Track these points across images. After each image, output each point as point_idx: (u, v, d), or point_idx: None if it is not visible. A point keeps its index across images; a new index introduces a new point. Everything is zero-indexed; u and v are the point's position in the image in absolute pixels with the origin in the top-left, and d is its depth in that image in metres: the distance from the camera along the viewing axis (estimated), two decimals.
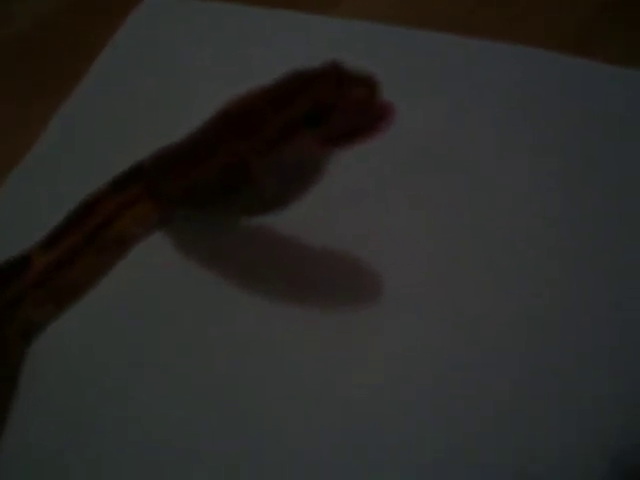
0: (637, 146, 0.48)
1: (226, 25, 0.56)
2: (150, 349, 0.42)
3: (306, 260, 0.44)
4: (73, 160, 0.49)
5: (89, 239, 0.43)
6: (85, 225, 0.43)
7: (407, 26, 0.55)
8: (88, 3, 0.58)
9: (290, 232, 0.45)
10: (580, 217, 0.45)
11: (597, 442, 0.38)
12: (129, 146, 0.48)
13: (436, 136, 0.49)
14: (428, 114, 0.49)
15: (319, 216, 0.44)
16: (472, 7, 0.57)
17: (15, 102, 0.53)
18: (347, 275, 0.44)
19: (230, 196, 0.42)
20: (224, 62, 0.54)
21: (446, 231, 0.45)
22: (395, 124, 0.36)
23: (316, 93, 0.36)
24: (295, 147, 0.38)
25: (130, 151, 0.46)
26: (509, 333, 0.41)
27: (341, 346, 0.41)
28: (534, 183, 0.47)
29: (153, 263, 0.45)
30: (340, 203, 0.45)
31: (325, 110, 0.36)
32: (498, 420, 0.39)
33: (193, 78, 0.53)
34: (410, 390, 0.40)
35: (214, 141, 0.41)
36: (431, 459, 0.38)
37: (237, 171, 0.39)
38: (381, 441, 0.38)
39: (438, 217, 0.46)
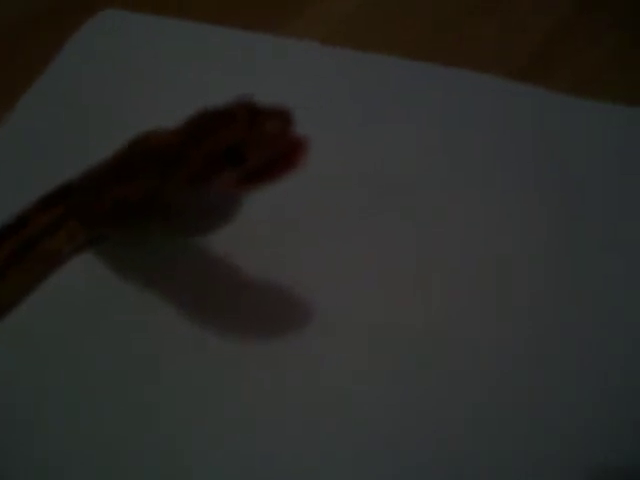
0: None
1: (179, 41, 0.56)
2: (71, 373, 0.42)
3: (234, 283, 0.44)
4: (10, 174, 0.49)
5: (15, 257, 0.43)
6: (12, 242, 0.43)
7: (364, 43, 0.55)
8: (39, 16, 0.58)
9: (219, 254, 0.44)
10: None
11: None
12: (70, 160, 0.47)
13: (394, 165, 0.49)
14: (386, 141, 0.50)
15: (248, 241, 0.44)
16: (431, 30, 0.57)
17: None
18: (275, 300, 0.43)
19: (154, 220, 0.42)
20: (175, 78, 0.54)
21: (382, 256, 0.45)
22: (312, 154, 0.36)
23: (229, 132, 0.36)
24: (214, 184, 0.37)
25: (70, 166, 0.46)
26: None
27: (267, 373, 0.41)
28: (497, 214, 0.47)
29: (79, 283, 0.44)
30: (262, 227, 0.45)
31: (240, 147, 0.36)
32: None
33: (144, 91, 0.53)
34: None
35: (133, 168, 0.41)
36: None
37: (153, 199, 0.40)
38: None
39: (371, 245, 0.46)
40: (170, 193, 0.39)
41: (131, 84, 0.53)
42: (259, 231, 0.45)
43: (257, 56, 0.55)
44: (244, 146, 0.36)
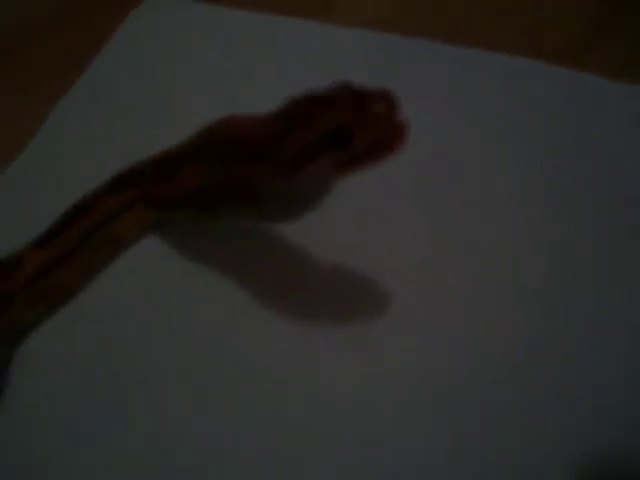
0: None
1: (225, 29, 0.56)
2: (140, 352, 0.42)
3: (306, 270, 0.44)
4: (68, 159, 0.49)
5: (83, 240, 0.43)
6: (80, 226, 0.42)
7: (403, 32, 0.55)
8: (88, 3, 0.58)
9: (292, 241, 0.44)
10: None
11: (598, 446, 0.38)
12: (125, 144, 0.49)
13: (440, 148, 0.49)
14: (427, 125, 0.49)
15: (323, 227, 0.44)
16: (471, 15, 0.57)
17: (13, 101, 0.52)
18: (348, 288, 0.43)
19: (233, 205, 0.41)
20: (221, 65, 0.54)
21: (452, 246, 0.45)
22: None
23: (335, 116, 0.35)
24: (311, 172, 0.37)
25: (126, 149, 0.47)
26: (512, 351, 0.41)
27: (341, 359, 0.41)
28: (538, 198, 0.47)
29: (146, 265, 0.44)
30: (345, 216, 0.45)
31: (345, 133, 0.35)
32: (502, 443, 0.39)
33: (190, 80, 0.53)
34: (410, 408, 0.39)
35: (216, 153, 0.40)
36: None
37: (244, 188, 0.39)
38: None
39: (444, 230, 0.46)
40: (262, 180, 0.38)
41: (179, 71, 0.54)
42: (334, 217, 0.44)
43: (305, 42, 0.55)
44: (352, 128, 0.35)
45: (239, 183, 0.39)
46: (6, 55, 0.55)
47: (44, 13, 0.57)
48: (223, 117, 0.41)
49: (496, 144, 0.50)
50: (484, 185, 0.48)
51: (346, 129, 0.35)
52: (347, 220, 0.45)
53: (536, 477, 0.38)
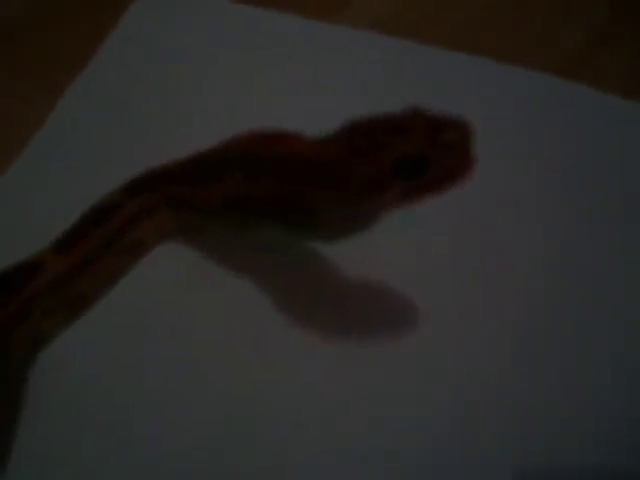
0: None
1: (228, 24, 0.55)
2: (160, 361, 0.41)
3: (339, 286, 0.43)
4: (73, 156, 0.48)
5: (105, 246, 0.41)
6: (102, 231, 0.41)
7: (412, 34, 0.55)
8: None
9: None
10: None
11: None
12: (129, 142, 0.48)
13: None
14: None
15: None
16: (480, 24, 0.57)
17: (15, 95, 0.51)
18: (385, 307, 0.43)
19: (275, 219, 0.40)
20: (228, 61, 0.53)
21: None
22: None
23: (408, 144, 0.34)
24: (381, 199, 0.36)
25: (129, 148, 0.47)
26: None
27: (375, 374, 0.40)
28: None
29: (166, 273, 0.43)
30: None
31: (418, 161, 0.34)
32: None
33: (196, 74, 0.52)
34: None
35: (275, 169, 0.38)
36: None
37: (294, 206, 0.38)
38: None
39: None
40: (321, 204, 0.37)
41: (182, 66, 0.52)
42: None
43: (309, 41, 0.54)
44: (427, 157, 0.34)
45: (290, 200, 0.38)
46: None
47: (44, 4, 0.55)
48: (269, 129, 0.40)
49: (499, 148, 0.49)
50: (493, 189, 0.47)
51: (419, 158, 0.34)
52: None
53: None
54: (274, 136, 0.39)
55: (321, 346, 0.41)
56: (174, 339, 0.41)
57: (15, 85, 0.51)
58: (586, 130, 0.50)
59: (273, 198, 0.38)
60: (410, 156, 0.34)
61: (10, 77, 0.52)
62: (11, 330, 0.39)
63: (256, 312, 0.42)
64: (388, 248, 0.43)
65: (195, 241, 0.44)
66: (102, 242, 0.41)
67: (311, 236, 0.40)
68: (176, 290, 0.43)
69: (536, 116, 0.51)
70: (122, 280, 0.43)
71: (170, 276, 0.43)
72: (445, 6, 0.58)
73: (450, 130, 0.34)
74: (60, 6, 0.55)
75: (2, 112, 0.49)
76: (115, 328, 0.42)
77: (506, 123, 0.50)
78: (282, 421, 0.39)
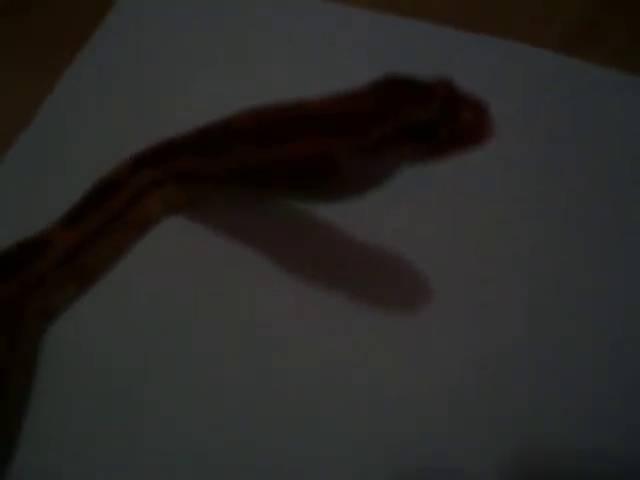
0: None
1: (224, 9, 0.55)
2: (167, 334, 0.41)
3: (347, 255, 0.44)
4: (71, 138, 0.48)
5: (113, 220, 0.42)
6: (110, 205, 0.41)
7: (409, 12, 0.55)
8: None
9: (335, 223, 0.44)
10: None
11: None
12: (129, 121, 0.48)
13: None
14: None
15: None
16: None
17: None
18: (389, 276, 0.43)
19: (288, 183, 0.40)
20: (221, 44, 0.52)
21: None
22: None
23: (428, 111, 0.35)
24: (394, 155, 0.37)
25: (130, 126, 0.47)
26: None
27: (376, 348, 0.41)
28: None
29: (173, 246, 0.44)
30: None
31: (433, 126, 0.35)
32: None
33: (189, 60, 0.52)
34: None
35: (279, 132, 0.39)
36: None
37: (321, 164, 0.38)
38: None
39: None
40: (338, 154, 0.37)
41: (181, 49, 0.52)
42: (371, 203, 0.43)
43: (306, 21, 0.54)
44: (438, 126, 0.35)
45: (321, 156, 0.38)
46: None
47: None
48: (288, 100, 0.39)
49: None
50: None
51: (432, 124, 0.35)
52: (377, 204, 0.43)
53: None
54: (280, 107, 0.40)
55: (329, 317, 0.42)
56: (180, 313, 0.42)
57: (14, 67, 0.51)
58: (586, 106, 0.50)
59: (289, 161, 0.39)
60: (426, 122, 0.35)
61: (8, 59, 0.52)
62: (24, 300, 0.40)
63: (263, 284, 0.42)
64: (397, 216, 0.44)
65: (202, 214, 0.44)
66: (111, 215, 0.41)
67: (325, 196, 0.41)
68: (182, 263, 0.43)
69: (538, 92, 0.51)
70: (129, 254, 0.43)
71: (177, 249, 0.43)
72: None
73: (467, 109, 0.35)
74: None
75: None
76: (120, 303, 0.42)
77: (507, 99, 0.50)
78: (283, 412, 0.40)
